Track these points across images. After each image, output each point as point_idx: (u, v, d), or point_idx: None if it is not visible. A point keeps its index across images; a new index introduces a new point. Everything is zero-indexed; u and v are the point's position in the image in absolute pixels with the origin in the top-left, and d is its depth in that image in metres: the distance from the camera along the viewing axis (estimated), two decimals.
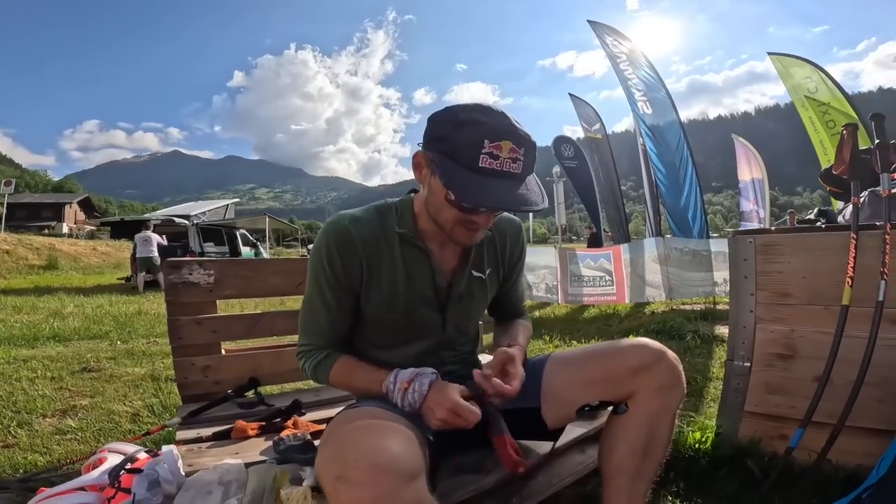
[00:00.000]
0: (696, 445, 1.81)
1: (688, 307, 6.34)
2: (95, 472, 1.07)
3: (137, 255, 10.70)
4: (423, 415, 0.96)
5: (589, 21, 7.77)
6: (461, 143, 0.91)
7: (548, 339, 4.69)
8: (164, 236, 11.55)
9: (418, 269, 1.11)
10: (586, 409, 1.13)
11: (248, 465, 1.20)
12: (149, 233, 10.96)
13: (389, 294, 1.09)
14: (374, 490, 0.71)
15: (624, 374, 1.09)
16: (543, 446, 1.28)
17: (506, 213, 1.26)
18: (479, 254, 1.18)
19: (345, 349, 1.15)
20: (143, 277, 10.52)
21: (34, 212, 48.85)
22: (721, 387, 2.13)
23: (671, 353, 1.11)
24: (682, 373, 1.11)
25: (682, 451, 1.78)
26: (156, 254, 10.64)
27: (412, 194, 1.14)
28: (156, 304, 7.55)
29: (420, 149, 1.00)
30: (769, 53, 6.91)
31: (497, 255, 1.22)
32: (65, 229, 39.89)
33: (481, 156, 0.90)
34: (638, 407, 1.09)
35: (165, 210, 26.45)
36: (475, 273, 1.18)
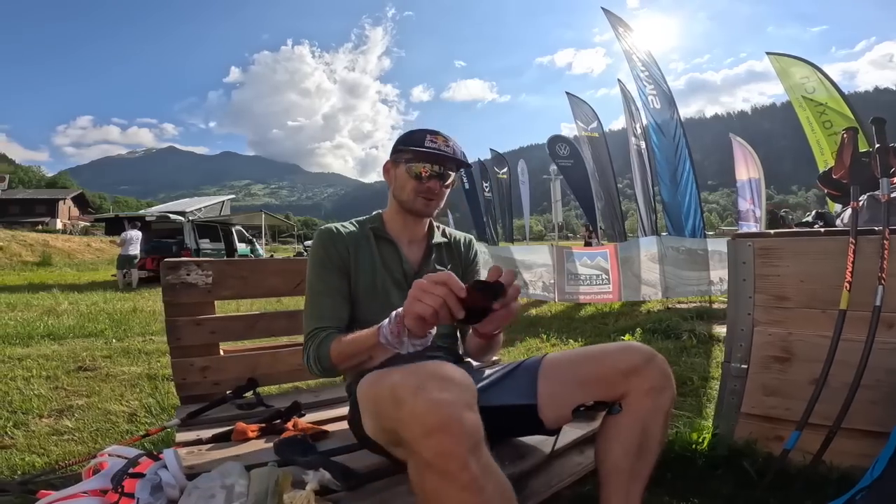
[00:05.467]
0: (693, 446, 1.82)
1: (683, 306, 6.37)
2: (97, 477, 1.07)
3: (128, 254, 10.77)
4: (407, 310, 0.92)
5: (603, 9, 7.74)
6: (413, 138, 1.33)
7: (544, 337, 4.70)
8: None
9: (390, 257, 1.36)
10: (581, 408, 1.17)
11: (249, 468, 1.20)
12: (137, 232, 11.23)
13: (370, 279, 1.30)
14: (452, 395, 0.86)
15: (615, 376, 1.14)
16: (543, 447, 1.31)
17: (457, 232, 1.55)
18: (440, 253, 1.44)
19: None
20: (134, 274, 10.76)
21: (28, 208, 48.40)
22: (717, 386, 2.14)
23: (660, 356, 1.17)
24: (672, 375, 1.17)
25: (678, 451, 1.80)
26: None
27: (380, 211, 1.45)
28: (150, 301, 7.52)
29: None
30: (768, 53, 6.84)
31: (455, 255, 1.49)
32: (59, 225, 39.57)
33: (426, 139, 1.30)
34: (630, 408, 1.14)
35: (160, 206, 26.27)
36: (439, 267, 1.40)
